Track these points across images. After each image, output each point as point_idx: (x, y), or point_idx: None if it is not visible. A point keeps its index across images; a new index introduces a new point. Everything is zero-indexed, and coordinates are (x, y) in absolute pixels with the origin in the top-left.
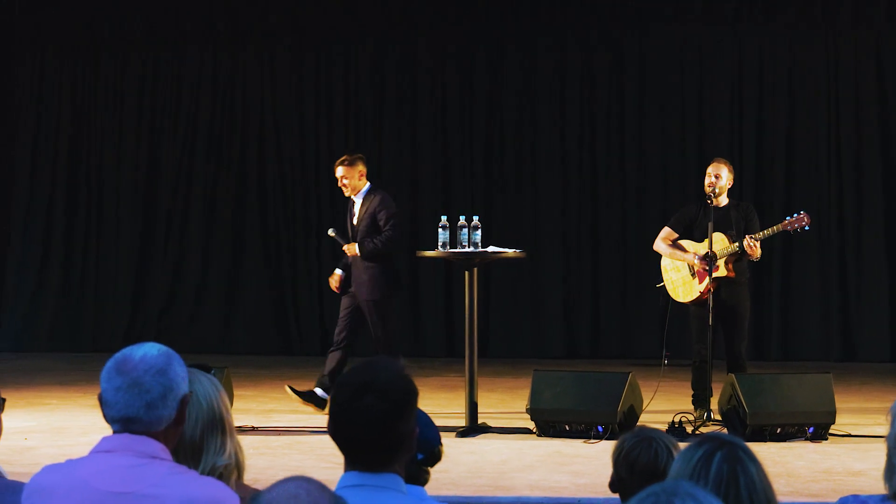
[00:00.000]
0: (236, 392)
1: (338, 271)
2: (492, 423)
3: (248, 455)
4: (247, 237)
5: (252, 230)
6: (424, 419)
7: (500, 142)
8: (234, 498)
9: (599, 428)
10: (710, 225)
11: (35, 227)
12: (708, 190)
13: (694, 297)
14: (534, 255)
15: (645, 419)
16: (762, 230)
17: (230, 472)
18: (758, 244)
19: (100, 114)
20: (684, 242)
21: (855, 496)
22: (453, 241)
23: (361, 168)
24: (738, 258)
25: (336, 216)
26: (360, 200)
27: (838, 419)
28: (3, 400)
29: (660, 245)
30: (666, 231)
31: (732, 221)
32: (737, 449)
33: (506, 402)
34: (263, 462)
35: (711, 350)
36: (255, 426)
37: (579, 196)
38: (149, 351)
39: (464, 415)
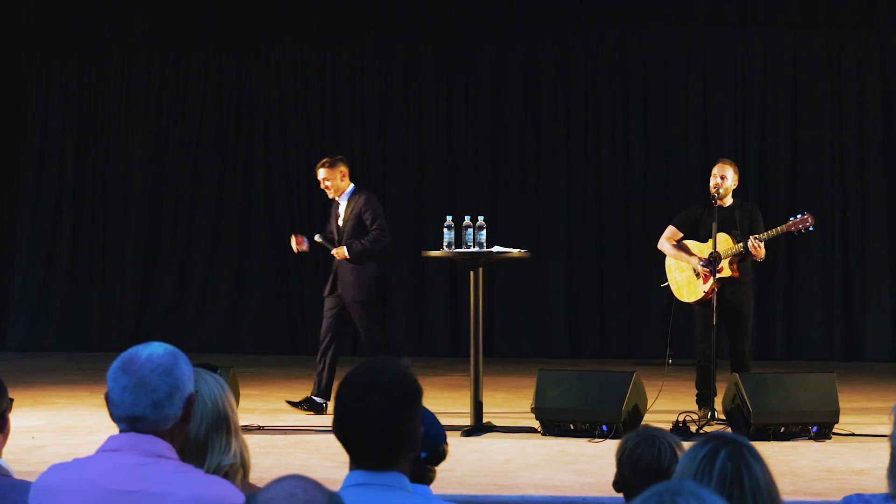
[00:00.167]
0: (242, 391)
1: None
2: (497, 423)
3: (254, 454)
4: (253, 237)
5: (258, 230)
6: (430, 418)
7: (504, 142)
8: (240, 496)
9: (604, 427)
10: (715, 225)
11: (42, 227)
12: (713, 191)
13: (698, 297)
14: (538, 255)
15: (649, 418)
16: (766, 230)
17: (235, 470)
18: (762, 244)
19: (106, 114)
20: (689, 243)
21: (858, 495)
22: (458, 242)
23: (343, 169)
24: (742, 258)
25: None
26: (345, 202)
27: (842, 418)
28: (11, 399)
29: (664, 245)
30: (670, 230)
31: (737, 221)
32: (741, 448)
33: (511, 402)
34: (269, 461)
35: (716, 350)
36: (262, 425)
37: (584, 196)
38: (155, 350)
39: (469, 414)
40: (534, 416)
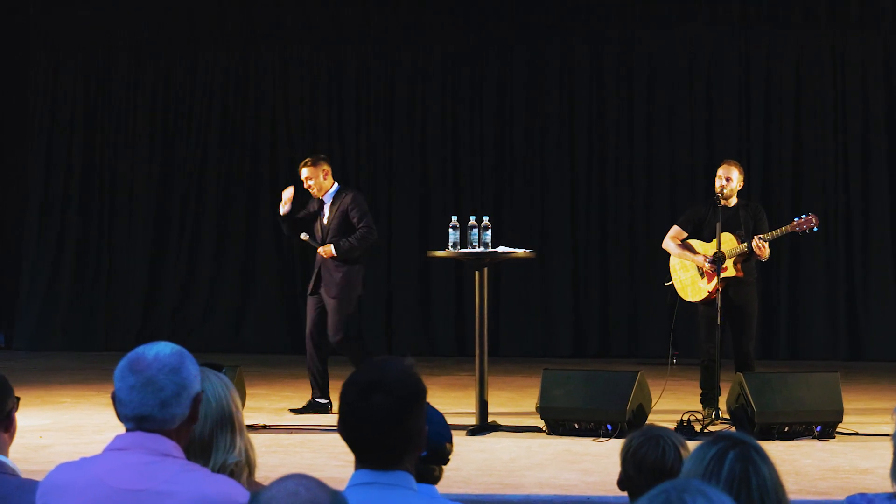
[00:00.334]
0: (248, 391)
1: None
2: (502, 422)
3: (260, 453)
4: (259, 237)
5: (264, 230)
6: (435, 417)
7: (509, 142)
8: (246, 495)
9: (608, 426)
10: (719, 225)
11: (49, 228)
12: (718, 192)
13: (702, 297)
14: (543, 255)
15: (653, 418)
16: (770, 231)
17: (241, 469)
18: (766, 245)
19: (113, 115)
20: (693, 242)
21: (862, 494)
22: (464, 241)
23: (325, 168)
24: (746, 258)
25: None
26: (330, 200)
27: (845, 418)
28: (18, 399)
29: (668, 244)
30: (675, 230)
31: (741, 221)
32: (749, 448)
33: (516, 401)
34: (275, 460)
35: (720, 349)
36: (268, 424)
37: (588, 196)
38: (162, 350)
39: (474, 413)
40: (539, 415)
